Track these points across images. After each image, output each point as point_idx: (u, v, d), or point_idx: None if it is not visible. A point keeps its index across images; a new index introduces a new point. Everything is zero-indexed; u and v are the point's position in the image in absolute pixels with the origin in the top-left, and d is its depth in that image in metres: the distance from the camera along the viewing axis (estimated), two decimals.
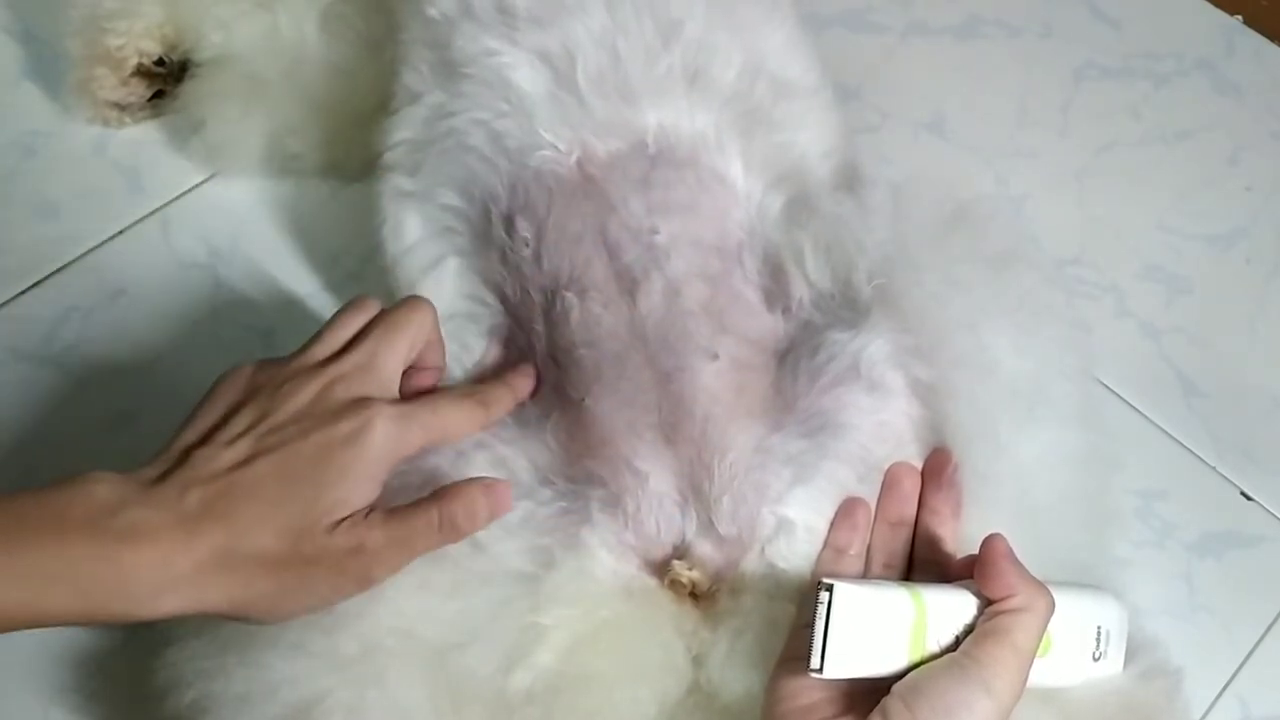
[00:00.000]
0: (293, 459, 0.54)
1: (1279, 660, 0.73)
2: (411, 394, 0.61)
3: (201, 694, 0.57)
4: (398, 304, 0.61)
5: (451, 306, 0.68)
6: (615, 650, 0.59)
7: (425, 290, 0.69)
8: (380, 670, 0.57)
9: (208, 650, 0.58)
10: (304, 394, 0.56)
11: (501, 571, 0.60)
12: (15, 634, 0.72)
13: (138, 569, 0.51)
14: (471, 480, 0.58)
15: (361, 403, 0.56)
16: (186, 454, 0.55)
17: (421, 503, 0.57)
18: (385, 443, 0.56)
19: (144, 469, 0.54)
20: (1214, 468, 0.79)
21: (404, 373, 0.61)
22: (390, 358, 0.59)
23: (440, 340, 0.63)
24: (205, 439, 0.55)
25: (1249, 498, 0.78)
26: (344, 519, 0.54)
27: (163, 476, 0.54)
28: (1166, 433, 0.81)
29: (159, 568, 0.51)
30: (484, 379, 0.66)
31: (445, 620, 0.59)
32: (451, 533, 0.57)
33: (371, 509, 0.56)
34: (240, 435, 0.55)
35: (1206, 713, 0.71)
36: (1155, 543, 0.76)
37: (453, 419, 0.59)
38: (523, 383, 0.64)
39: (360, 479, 0.55)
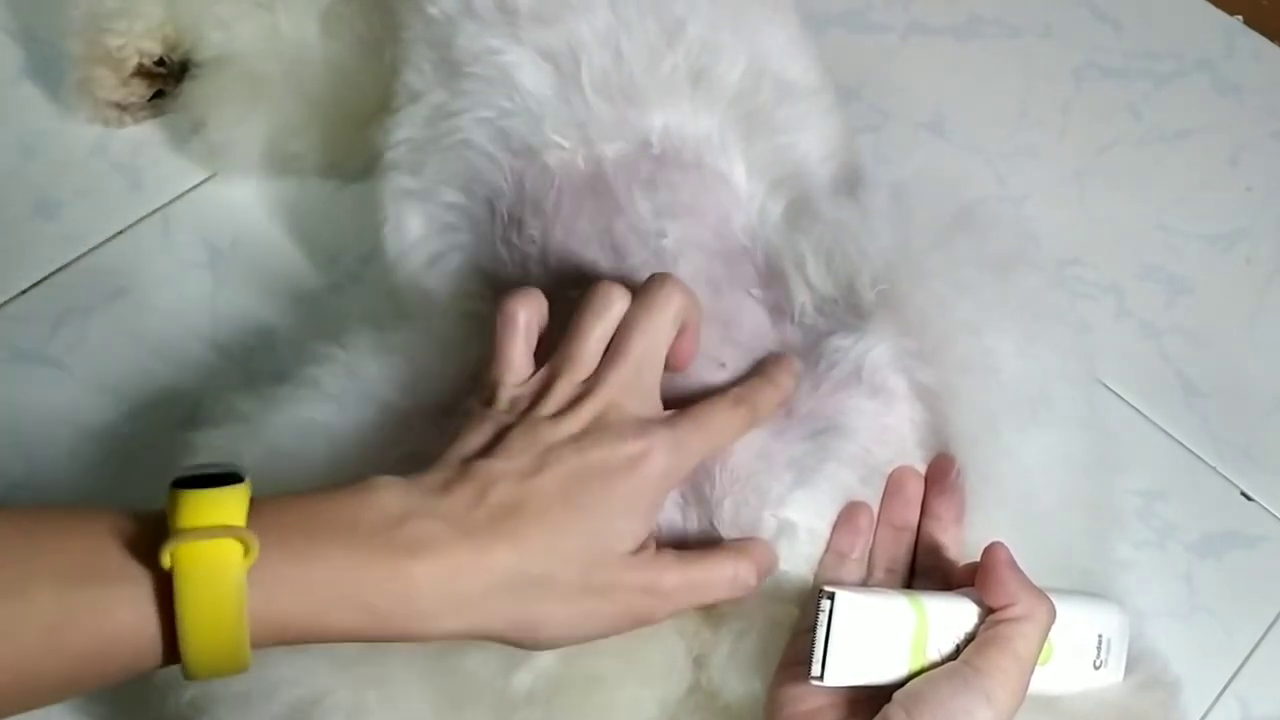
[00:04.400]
0: (576, 483, 0.52)
1: (1279, 660, 0.73)
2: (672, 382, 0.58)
3: (201, 693, 0.57)
4: (649, 290, 0.56)
5: (454, 305, 0.68)
6: (616, 651, 0.58)
7: (427, 288, 0.70)
8: (381, 671, 0.57)
9: None
10: (575, 420, 0.53)
11: None
12: None
13: (426, 585, 0.48)
14: (760, 539, 0.57)
15: (638, 428, 0.54)
16: (466, 465, 0.52)
17: (718, 553, 0.55)
18: (663, 473, 0.53)
19: (425, 476, 0.52)
20: (1214, 468, 0.79)
21: None
22: (653, 372, 0.56)
23: (698, 312, 0.58)
24: (483, 452, 0.53)
25: (1249, 498, 0.79)
26: (634, 552, 0.52)
27: (446, 486, 0.51)
28: (1166, 433, 0.81)
29: (447, 583, 0.48)
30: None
31: None
32: (743, 589, 0.55)
33: (658, 543, 0.54)
34: (518, 454, 0.52)
35: (1206, 713, 0.71)
36: (1155, 543, 0.77)
37: (722, 432, 0.57)
38: (784, 375, 0.60)
39: (642, 510, 0.53)
